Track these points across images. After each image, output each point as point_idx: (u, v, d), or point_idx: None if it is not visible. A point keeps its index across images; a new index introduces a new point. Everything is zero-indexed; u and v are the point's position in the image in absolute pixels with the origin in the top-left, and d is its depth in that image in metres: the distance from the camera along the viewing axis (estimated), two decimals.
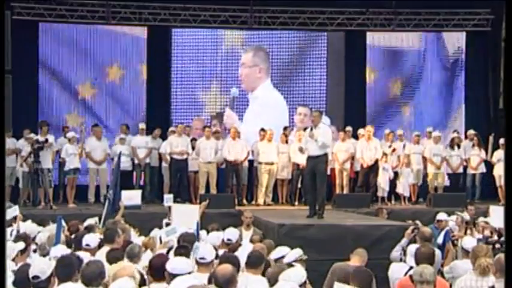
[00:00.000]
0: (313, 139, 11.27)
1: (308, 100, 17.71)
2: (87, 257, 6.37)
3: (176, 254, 6.69)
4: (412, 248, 7.36)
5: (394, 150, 15.63)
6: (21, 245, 7.01)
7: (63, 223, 10.29)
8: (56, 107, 17.06)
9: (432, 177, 15.79)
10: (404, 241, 8.33)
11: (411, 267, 7.16)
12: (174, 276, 5.34)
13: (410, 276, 6.25)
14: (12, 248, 6.82)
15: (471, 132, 16.39)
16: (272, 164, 15.30)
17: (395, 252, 8.27)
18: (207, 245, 6.77)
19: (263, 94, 17.75)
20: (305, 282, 5.62)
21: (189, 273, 5.56)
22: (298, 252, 6.97)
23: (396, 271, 7.16)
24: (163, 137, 15.57)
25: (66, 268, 5.28)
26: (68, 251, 6.94)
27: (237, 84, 17.71)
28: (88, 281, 5.12)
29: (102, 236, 7.86)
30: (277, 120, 16.97)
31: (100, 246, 7.48)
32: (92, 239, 7.48)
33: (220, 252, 7.40)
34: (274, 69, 17.92)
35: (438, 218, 11.40)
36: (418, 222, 11.76)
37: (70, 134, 14.78)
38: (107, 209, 10.89)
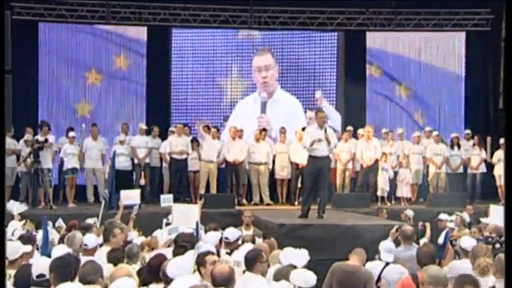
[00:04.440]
0: (328, 140, 11.24)
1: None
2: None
3: (175, 254, 6.69)
4: (385, 245, 7.41)
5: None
6: (28, 247, 6.97)
7: (62, 223, 10.34)
8: (57, 106, 17.10)
9: (433, 177, 15.79)
10: (389, 240, 8.32)
11: (387, 263, 7.19)
12: (172, 279, 5.30)
13: (412, 276, 6.27)
14: (18, 247, 6.79)
15: (467, 131, 16.46)
16: (260, 164, 15.29)
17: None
18: (208, 246, 6.77)
19: (281, 97, 17.77)
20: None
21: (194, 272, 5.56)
22: (306, 256, 6.87)
23: (374, 268, 7.19)
24: (163, 136, 15.57)
25: (63, 268, 5.26)
26: (70, 250, 6.91)
27: (244, 86, 17.77)
28: (84, 279, 5.12)
29: (101, 236, 7.86)
30: (301, 122, 16.86)
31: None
32: (89, 239, 7.45)
33: (222, 252, 7.40)
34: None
35: (440, 217, 11.43)
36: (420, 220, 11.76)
37: (70, 134, 14.82)
38: (103, 208, 10.88)
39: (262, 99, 17.57)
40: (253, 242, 8.29)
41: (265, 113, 17.49)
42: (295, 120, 17.10)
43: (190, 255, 6.35)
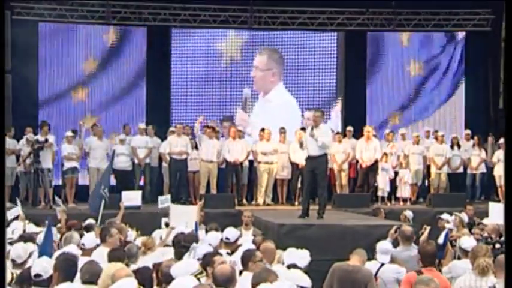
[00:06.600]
0: (314, 138, 11.13)
1: (319, 102, 17.70)
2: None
3: (176, 254, 6.69)
4: (381, 246, 7.41)
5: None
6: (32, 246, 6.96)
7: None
8: (58, 107, 17.10)
9: (434, 177, 15.78)
10: (388, 241, 8.33)
11: (382, 264, 7.19)
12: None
13: (417, 272, 6.30)
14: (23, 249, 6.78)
15: (467, 132, 16.47)
16: (272, 163, 15.29)
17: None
18: (205, 246, 6.76)
19: (276, 97, 17.77)
20: None
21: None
22: (307, 257, 6.86)
23: (371, 268, 7.20)
24: (162, 136, 15.55)
25: (69, 268, 5.30)
26: (79, 252, 6.89)
27: (247, 86, 17.75)
28: (84, 279, 5.13)
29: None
30: (291, 123, 16.72)
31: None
32: (87, 239, 7.44)
33: (223, 252, 7.39)
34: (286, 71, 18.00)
35: (439, 217, 11.43)
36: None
37: (68, 134, 14.80)
38: (102, 208, 10.89)
39: (245, 94, 17.59)
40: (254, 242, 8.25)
41: (245, 110, 17.47)
42: (284, 120, 16.81)
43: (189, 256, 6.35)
